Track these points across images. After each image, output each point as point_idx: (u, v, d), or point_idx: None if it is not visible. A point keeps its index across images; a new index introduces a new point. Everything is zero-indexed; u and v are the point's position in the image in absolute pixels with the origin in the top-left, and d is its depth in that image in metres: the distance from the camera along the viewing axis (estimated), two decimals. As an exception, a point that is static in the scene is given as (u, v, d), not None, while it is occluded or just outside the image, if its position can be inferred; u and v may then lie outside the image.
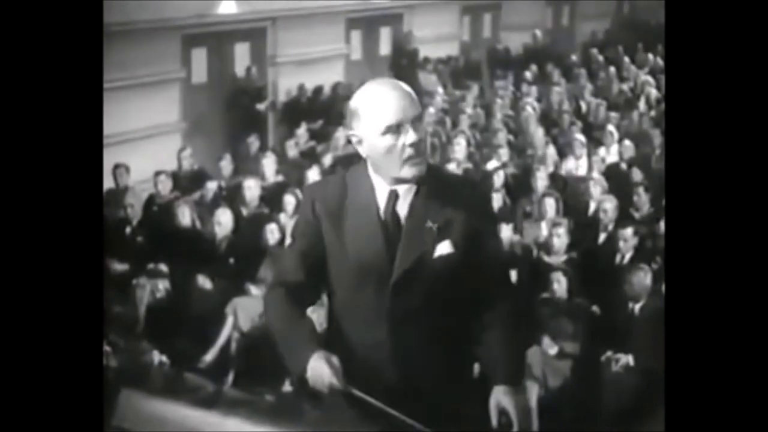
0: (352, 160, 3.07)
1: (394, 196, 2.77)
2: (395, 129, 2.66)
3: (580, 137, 9.89)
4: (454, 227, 2.75)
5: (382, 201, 2.78)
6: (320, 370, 2.61)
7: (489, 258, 2.81)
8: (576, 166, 9.54)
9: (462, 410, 2.83)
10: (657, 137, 9.72)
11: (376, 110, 2.67)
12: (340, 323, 2.90)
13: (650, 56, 14.77)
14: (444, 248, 2.75)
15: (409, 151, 2.67)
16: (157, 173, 8.82)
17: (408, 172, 2.70)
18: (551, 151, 9.60)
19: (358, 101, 2.73)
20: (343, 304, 2.88)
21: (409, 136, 2.66)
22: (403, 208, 2.77)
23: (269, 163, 9.14)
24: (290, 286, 2.84)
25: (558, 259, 6.77)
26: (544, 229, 7.44)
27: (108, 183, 8.58)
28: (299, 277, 2.85)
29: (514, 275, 6.30)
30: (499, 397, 2.65)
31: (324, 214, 2.83)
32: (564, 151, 9.87)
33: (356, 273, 2.79)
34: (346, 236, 2.79)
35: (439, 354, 2.79)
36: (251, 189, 8.17)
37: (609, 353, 5.77)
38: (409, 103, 2.68)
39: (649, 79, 13.20)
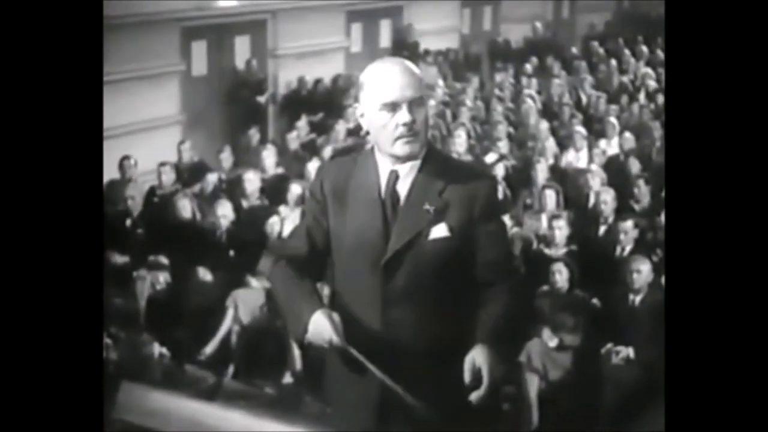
0: (352, 153, 3.11)
1: (394, 177, 2.81)
2: (391, 107, 2.71)
3: (581, 129, 9.88)
4: (451, 211, 2.77)
5: (383, 181, 2.83)
6: (322, 325, 2.67)
7: (488, 245, 2.81)
8: (576, 158, 9.53)
9: (453, 392, 2.84)
10: (657, 129, 9.72)
11: (377, 86, 2.74)
12: (339, 303, 2.94)
13: (646, 48, 14.74)
14: (439, 231, 2.77)
15: (401, 130, 2.72)
16: (162, 164, 8.81)
17: (400, 149, 2.75)
18: (551, 143, 9.60)
19: (365, 75, 2.81)
20: (343, 283, 2.93)
21: (402, 116, 2.71)
22: (403, 189, 2.81)
23: (269, 156, 9.13)
24: (293, 258, 2.93)
25: (558, 251, 6.77)
26: (544, 222, 7.44)
27: (113, 174, 8.57)
28: (302, 251, 2.93)
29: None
30: (474, 354, 2.62)
31: (330, 192, 2.89)
32: (564, 143, 9.87)
33: (354, 252, 2.83)
34: (348, 215, 2.85)
35: (431, 337, 2.80)
36: (251, 181, 8.16)
37: (609, 345, 5.77)
38: (410, 83, 2.72)
39: (649, 71, 13.18)
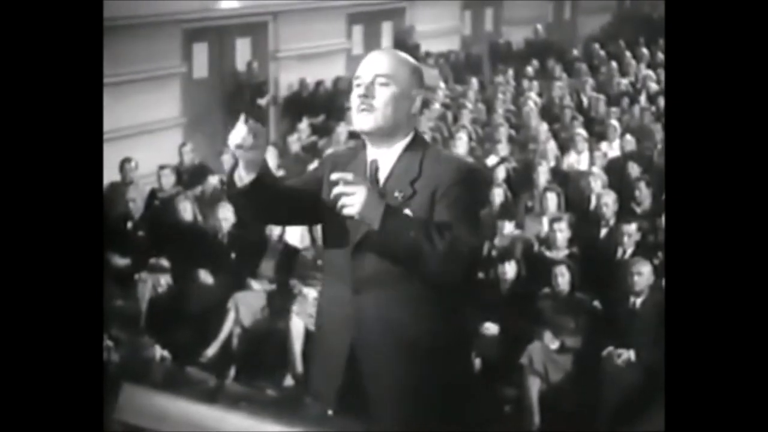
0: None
1: (374, 165, 2.89)
2: (357, 82, 2.87)
3: (582, 132, 9.88)
4: (418, 199, 2.80)
5: (367, 168, 2.91)
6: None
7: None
8: (577, 160, 9.52)
9: (418, 379, 2.84)
10: (658, 132, 9.72)
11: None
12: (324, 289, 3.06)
13: (647, 50, 14.74)
14: None
15: (356, 102, 2.84)
16: (162, 167, 8.81)
17: (357, 122, 2.87)
18: (552, 145, 9.59)
19: None
20: (328, 268, 3.03)
21: (359, 89, 2.84)
22: (383, 177, 2.88)
23: (270, 158, 9.10)
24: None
25: (559, 253, 6.76)
26: (545, 224, 7.44)
27: (114, 177, 8.57)
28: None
29: (512, 268, 6.33)
30: None
31: (328, 175, 2.93)
32: (565, 145, 9.86)
33: (336, 236, 2.91)
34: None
35: (398, 321, 2.82)
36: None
37: (610, 348, 5.77)
38: (380, 62, 2.89)
39: (650, 73, 13.18)
